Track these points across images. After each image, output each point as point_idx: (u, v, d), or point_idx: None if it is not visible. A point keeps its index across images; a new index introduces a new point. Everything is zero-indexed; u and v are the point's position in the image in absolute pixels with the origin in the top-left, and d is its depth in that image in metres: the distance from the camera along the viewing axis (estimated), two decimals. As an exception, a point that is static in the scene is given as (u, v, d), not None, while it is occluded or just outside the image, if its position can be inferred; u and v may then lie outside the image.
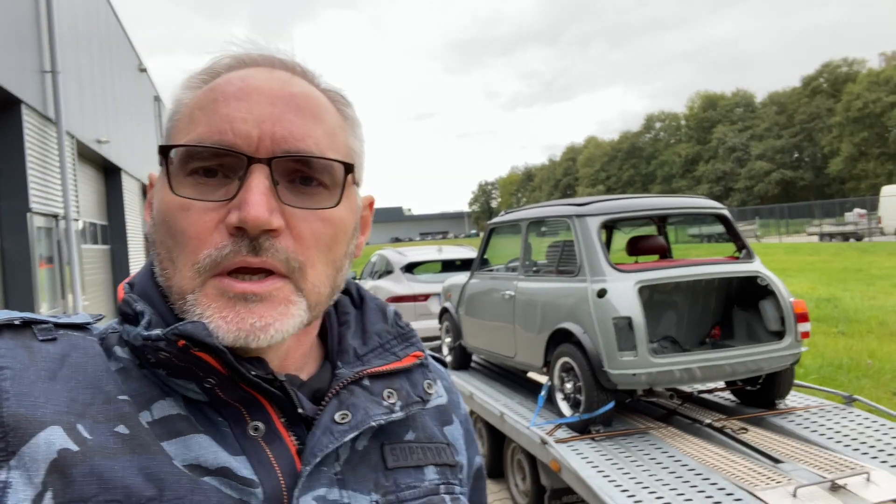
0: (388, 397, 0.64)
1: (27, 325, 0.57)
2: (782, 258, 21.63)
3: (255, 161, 0.56)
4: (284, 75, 0.61)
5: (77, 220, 11.47)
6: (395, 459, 0.64)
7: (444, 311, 6.01)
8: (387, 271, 9.16)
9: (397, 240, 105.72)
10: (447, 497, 0.66)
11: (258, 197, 0.55)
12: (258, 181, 0.55)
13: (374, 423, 0.61)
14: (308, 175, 0.59)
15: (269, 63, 0.63)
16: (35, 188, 9.41)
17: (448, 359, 5.92)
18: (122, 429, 0.53)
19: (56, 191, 10.48)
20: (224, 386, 0.57)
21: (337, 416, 0.60)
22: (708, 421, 3.82)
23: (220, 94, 0.59)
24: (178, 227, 0.57)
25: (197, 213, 0.56)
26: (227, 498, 0.53)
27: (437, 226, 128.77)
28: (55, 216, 10.51)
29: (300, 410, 0.60)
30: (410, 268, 8.92)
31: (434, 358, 0.80)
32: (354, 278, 10.25)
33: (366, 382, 0.64)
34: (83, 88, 12.08)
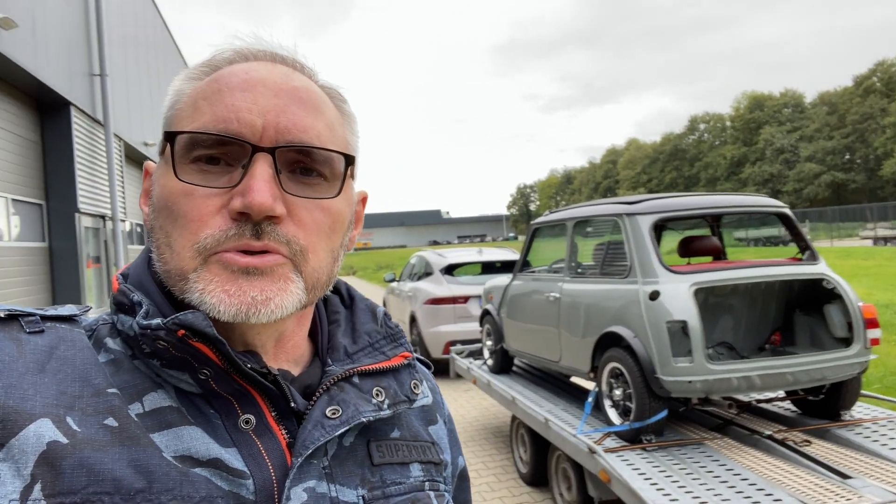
0: (377, 395, 0.66)
1: (14, 317, 0.57)
2: (834, 262, 20.85)
3: (260, 150, 0.57)
4: (286, 69, 0.63)
5: (124, 220, 11.70)
6: (382, 456, 0.66)
7: (486, 313, 5.88)
8: (426, 273, 9.08)
9: (435, 243, 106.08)
10: (432, 494, 0.68)
11: (262, 184, 0.56)
12: (262, 169, 0.57)
13: (363, 420, 0.63)
14: (309, 166, 0.60)
15: (270, 58, 0.64)
16: (83, 189, 9.62)
17: (489, 362, 5.79)
18: (111, 421, 0.53)
19: (104, 192, 10.71)
20: (218, 378, 0.58)
21: (328, 412, 0.61)
22: (768, 432, 3.60)
23: (224, 84, 0.60)
24: (179, 212, 0.58)
25: (200, 198, 0.57)
26: (218, 489, 0.54)
27: (476, 229, 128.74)
28: (102, 217, 10.73)
29: (292, 404, 0.61)
30: (450, 269, 8.82)
31: (419, 360, 0.81)
32: (392, 280, 10.40)
33: (355, 380, 0.66)
34: (130, 91, 12.34)
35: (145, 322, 0.57)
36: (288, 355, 0.67)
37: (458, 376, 6.42)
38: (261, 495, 0.56)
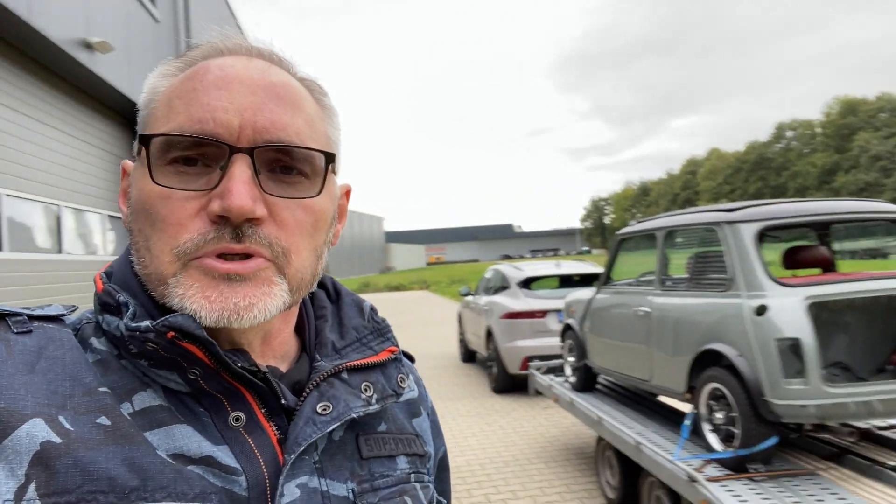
0: (366, 390, 0.67)
1: (1, 318, 0.57)
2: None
3: (237, 150, 0.56)
4: (262, 64, 0.62)
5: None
6: (370, 449, 0.67)
7: (567, 328, 5.64)
8: (502, 286, 8.91)
9: (508, 257, 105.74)
10: (417, 486, 0.69)
11: (241, 186, 0.55)
12: (240, 170, 0.56)
13: (353, 415, 0.64)
14: (289, 164, 0.60)
15: (245, 52, 0.63)
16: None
17: (572, 379, 5.54)
18: (103, 420, 0.53)
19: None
20: (207, 377, 0.58)
21: (318, 408, 0.62)
22: (892, 463, 3.22)
23: (198, 82, 0.59)
24: (157, 215, 0.57)
25: (178, 202, 0.57)
26: (211, 486, 0.54)
27: (548, 242, 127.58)
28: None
29: (283, 401, 0.61)
30: (527, 283, 8.61)
31: (403, 354, 0.81)
32: (467, 294, 10.29)
33: (344, 375, 0.66)
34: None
35: (133, 324, 0.56)
36: (275, 352, 0.67)
37: (538, 393, 6.20)
38: (254, 491, 0.56)
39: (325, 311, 0.73)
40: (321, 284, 0.76)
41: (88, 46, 7.36)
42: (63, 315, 0.60)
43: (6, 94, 6.54)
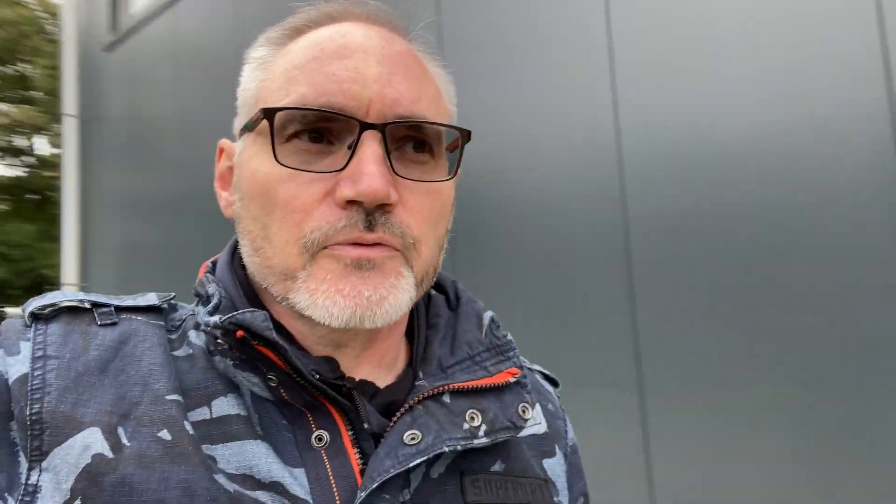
0: (472, 419, 0.55)
1: (91, 307, 0.54)
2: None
3: (369, 126, 0.51)
4: (383, 31, 0.56)
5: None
6: (477, 494, 0.55)
7: None
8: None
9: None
10: None
11: (375, 167, 0.49)
12: (372, 149, 0.50)
13: (446, 449, 0.52)
14: (421, 141, 0.54)
15: (363, 18, 0.57)
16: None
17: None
18: (164, 434, 0.48)
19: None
20: (286, 386, 0.52)
21: (406, 437, 0.52)
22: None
23: (319, 50, 0.53)
24: (279, 201, 0.51)
25: (302, 184, 0.51)
26: None
27: None
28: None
29: (365, 425, 0.53)
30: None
31: (544, 376, 0.73)
32: None
33: (446, 399, 0.55)
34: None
35: (206, 318, 0.52)
36: (377, 361, 0.58)
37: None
38: None
39: (438, 319, 0.63)
40: (440, 287, 0.67)
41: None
42: (157, 305, 0.57)
43: None
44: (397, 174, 0.52)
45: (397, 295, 0.51)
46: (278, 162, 0.51)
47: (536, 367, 0.73)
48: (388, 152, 0.51)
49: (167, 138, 4.69)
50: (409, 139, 0.54)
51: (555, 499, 0.61)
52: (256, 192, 0.53)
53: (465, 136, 0.55)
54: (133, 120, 5.20)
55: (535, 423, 0.61)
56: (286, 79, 0.53)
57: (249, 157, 0.55)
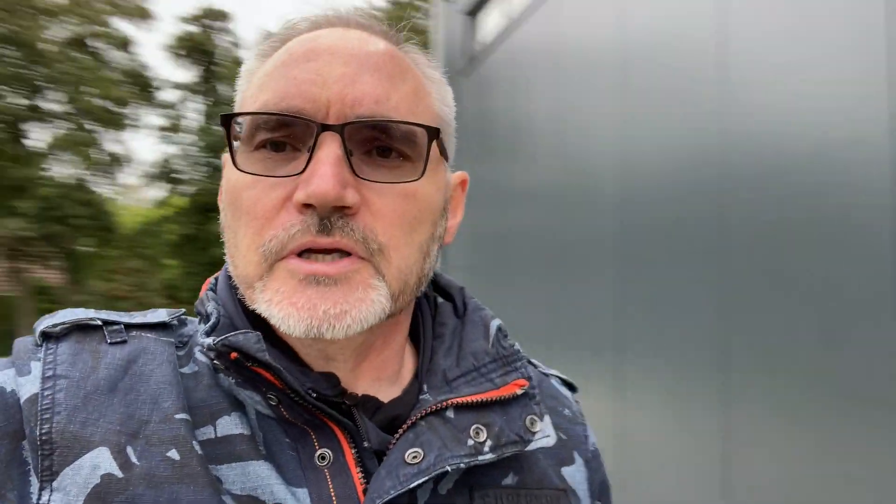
0: (477, 434, 0.53)
1: (99, 326, 0.54)
2: None
3: (325, 128, 0.49)
4: (360, 34, 0.55)
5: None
6: None
7: None
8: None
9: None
10: None
11: (327, 168, 0.48)
12: (329, 151, 0.49)
13: (448, 468, 0.50)
14: (386, 144, 0.52)
15: (344, 23, 0.57)
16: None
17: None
18: (173, 454, 0.48)
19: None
20: (286, 405, 0.51)
21: (408, 455, 0.50)
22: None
23: (288, 56, 0.53)
24: (242, 208, 0.51)
25: (262, 191, 0.51)
26: None
27: None
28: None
29: (365, 443, 0.52)
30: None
31: (561, 380, 0.71)
32: None
33: (449, 414, 0.54)
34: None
35: (202, 339, 0.51)
36: (376, 373, 0.56)
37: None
38: None
39: (444, 329, 0.61)
40: (448, 295, 0.65)
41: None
42: (166, 322, 0.56)
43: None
44: (360, 176, 0.50)
45: (363, 308, 0.49)
46: (237, 168, 0.51)
47: (553, 371, 0.71)
48: (348, 153, 0.49)
49: (525, 137, 5.60)
50: (377, 141, 0.51)
51: None
52: (227, 200, 0.53)
53: (432, 133, 0.52)
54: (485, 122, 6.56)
55: (545, 435, 0.57)
56: (257, 87, 0.53)
57: (226, 166, 0.55)
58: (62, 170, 16.67)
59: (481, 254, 6.96)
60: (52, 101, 18.58)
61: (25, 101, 18.23)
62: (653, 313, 3.92)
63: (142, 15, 17.41)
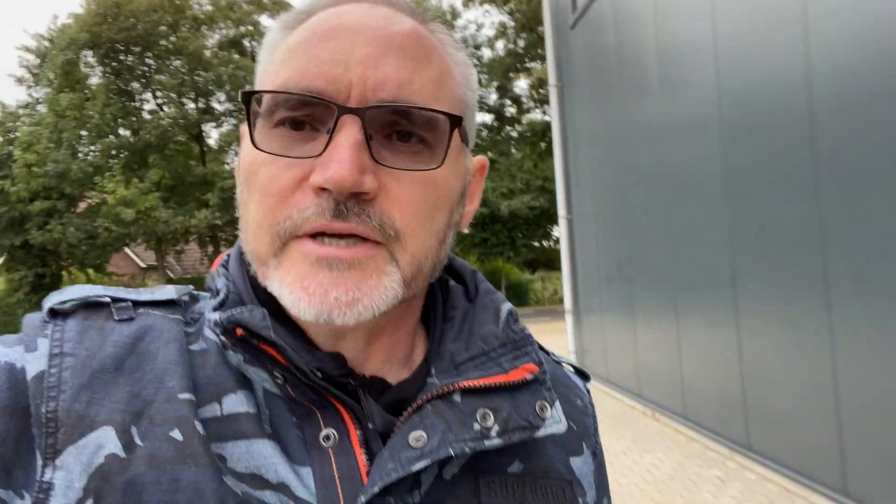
0: (483, 419, 0.52)
1: (107, 303, 0.53)
2: None
3: (347, 111, 0.48)
4: (387, 11, 0.53)
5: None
6: (492, 497, 0.53)
7: None
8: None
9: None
10: None
11: (346, 153, 0.47)
12: (348, 135, 0.47)
13: (452, 452, 0.49)
14: (407, 130, 0.50)
15: None
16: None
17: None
18: (176, 434, 0.47)
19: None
20: (292, 384, 0.51)
21: (412, 438, 0.50)
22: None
23: (312, 32, 0.52)
24: (257, 185, 0.50)
25: (278, 169, 0.49)
26: None
27: None
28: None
29: (369, 425, 0.52)
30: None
31: (574, 369, 0.70)
32: None
33: (455, 398, 0.52)
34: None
35: (210, 315, 0.51)
36: (386, 355, 0.56)
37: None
38: None
39: (454, 312, 0.60)
40: (460, 278, 0.64)
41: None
42: (174, 299, 0.56)
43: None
44: (379, 162, 0.49)
45: (376, 295, 0.48)
46: (255, 146, 0.50)
47: (566, 359, 0.70)
48: (368, 138, 0.48)
49: (643, 76, 6.04)
50: (398, 126, 0.50)
51: (580, 500, 0.58)
52: (244, 175, 0.52)
53: (455, 121, 0.51)
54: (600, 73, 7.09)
55: (556, 421, 0.55)
56: (280, 63, 0.52)
57: (244, 139, 0.54)
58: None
59: (604, 198, 7.12)
60: (219, 102, 20.79)
61: (200, 105, 20.72)
62: (763, 245, 4.05)
63: (285, 9, 18.69)
